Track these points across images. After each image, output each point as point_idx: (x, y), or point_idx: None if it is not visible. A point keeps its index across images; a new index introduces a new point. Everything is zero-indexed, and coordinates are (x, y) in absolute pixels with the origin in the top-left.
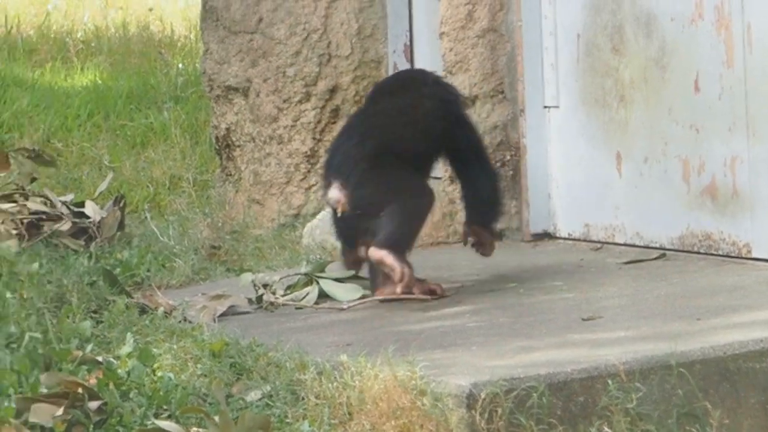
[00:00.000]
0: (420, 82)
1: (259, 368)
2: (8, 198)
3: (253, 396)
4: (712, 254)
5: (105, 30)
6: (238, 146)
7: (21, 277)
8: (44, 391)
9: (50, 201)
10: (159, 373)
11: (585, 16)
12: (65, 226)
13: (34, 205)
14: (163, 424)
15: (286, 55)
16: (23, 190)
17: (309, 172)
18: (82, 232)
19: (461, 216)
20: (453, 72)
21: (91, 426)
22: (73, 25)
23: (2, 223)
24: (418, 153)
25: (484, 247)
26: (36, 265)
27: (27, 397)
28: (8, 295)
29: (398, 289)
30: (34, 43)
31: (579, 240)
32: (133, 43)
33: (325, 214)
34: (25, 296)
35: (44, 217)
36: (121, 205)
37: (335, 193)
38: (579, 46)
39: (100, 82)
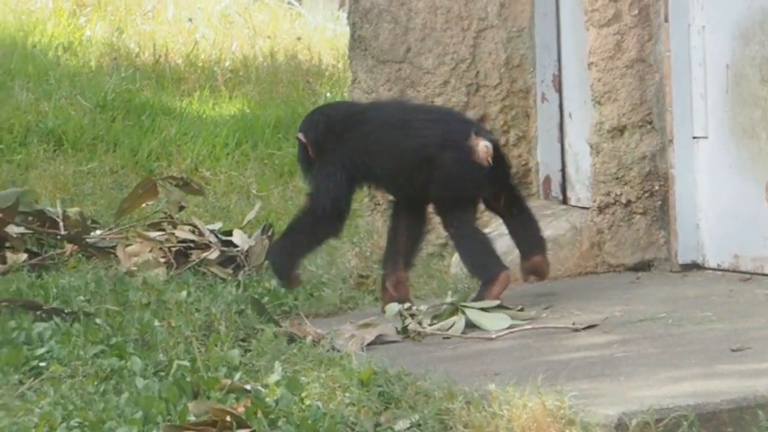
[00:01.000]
0: None
1: (407, 397)
2: (157, 226)
3: (401, 425)
4: None
5: (253, 59)
6: None
7: (169, 305)
8: (192, 419)
9: (198, 229)
10: (307, 402)
11: (734, 47)
12: (213, 254)
13: (182, 233)
14: None
15: (435, 85)
16: (171, 218)
17: None
18: (230, 260)
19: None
20: (601, 102)
21: None
22: (221, 54)
23: (150, 251)
24: None
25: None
26: (184, 294)
27: (175, 425)
28: (156, 323)
29: None
30: (182, 72)
31: (728, 271)
32: (281, 72)
33: None
34: (173, 324)
35: (192, 245)
36: (269, 233)
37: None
38: (728, 77)
39: (248, 111)
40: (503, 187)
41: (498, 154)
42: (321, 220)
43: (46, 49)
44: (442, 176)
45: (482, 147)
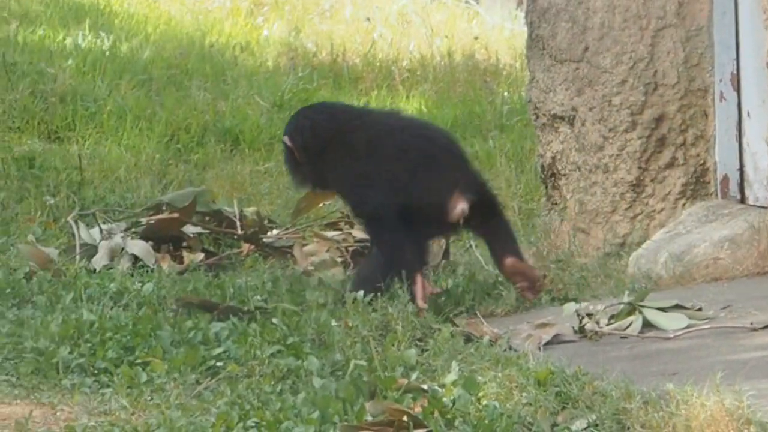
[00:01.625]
0: None
1: (584, 397)
2: (333, 226)
3: (578, 425)
4: None
5: (430, 58)
6: (564, 175)
7: (346, 305)
8: (369, 419)
9: None
10: (484, 402)
11: None
12: None
13: (359, 232)
14: None
15: (612, 84)
16: (348, 218)
17: (634, 201)
18: None
19: None
20: None
21: None
22: (399, 53)
23: (327, 251)
24: None
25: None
26: (361, 293)
27: (352, 425)
28: (333, 323)
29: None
30: (360, 72)
31: None
32: (458, 71)
33: (651, 244)
34: (350, 324)
35: (369, 244)
36: None
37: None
38: None
39: (425, 110)
40: (485, 216)
41: (485, 194)
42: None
43: (224, 49)
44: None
45: (458, 211)
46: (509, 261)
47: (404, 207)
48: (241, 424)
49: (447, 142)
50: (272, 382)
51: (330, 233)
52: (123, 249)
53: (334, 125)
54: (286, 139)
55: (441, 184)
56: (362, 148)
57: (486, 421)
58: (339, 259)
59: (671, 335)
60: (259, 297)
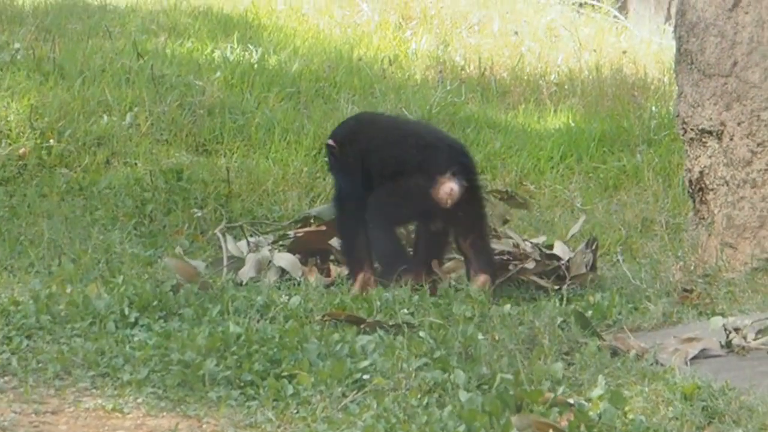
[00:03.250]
0: None
1: (731, 412)
2: None
3: None
4: None
5: (578, 73)
6: (711, 189)
7: (493, 318)
8: None
9: (516, 242)
10: (630, 416)
11: None
12: (530, 264)
13: (501, 245)
14: None
15: (761, 99)
16: (496, 231)
17: None
18: (551, 273)
19: None
20: None
21: None
22: (547, 67)
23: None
24: None
25: None
26: (508, 307)
27: None
28: (480, 336)
29: None
30: (508, 85)
31: None
32: (607, 85)
33: None
34: (497, 338)
35: (509, 257)
36: (593, 247)
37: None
38: None
39: (572, 124)
40: (472, 229)
41: (474, 197)
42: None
43: (372, 62)
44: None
45: (445, 189)
46: (482, 279)
47: (393, 192)
48: None
49: (451, 139)
50: (418, 396)
51: None
52: (270, 262)
53: (362, 129)
54: (329, 141)
55: (435, 165)
56: (369, 145)
57: None
58: None
59: None
60: (405, 310)
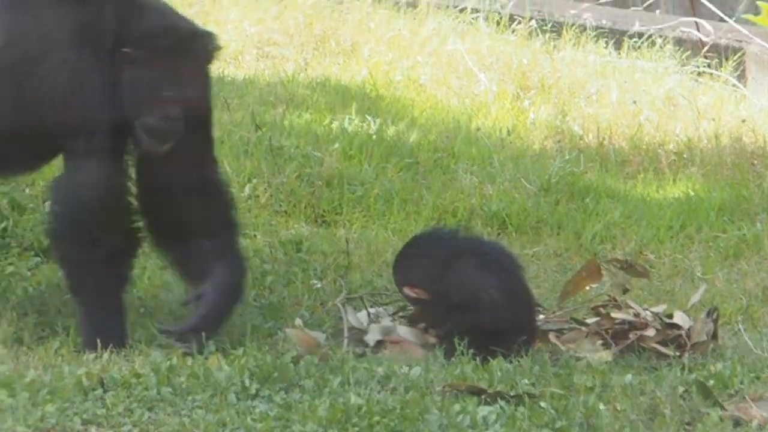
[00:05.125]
0: None
1: None
2: (598, 309)
3: None
4: None
5: (697, 142)
6: None
7: (614, 388)
8: None
9: (636, 311)
10: None
11: None
12: (650, 332)
13: (619, 314)
14: None
15: None
16: (615, 300)
17: None
18: (672, 342)
19: None
20: None
21: None
22: (665, 136)
23: (586, 336)
24: None
25: None
26: (629, 377)
27: None
28: (602, 406)
29: None
30: (626, 154)
31: None
32: (726, 154)
33: None
34: (618, 408)
35: (629, 326)
36: (714, 316)
37: None
38: None
39: (692, 193)
40: None
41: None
42: None
43: (490, 132)
44: None
45: None
46: None
47: None
48: None
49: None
50: None
51: (592, 318)
52: (392, 333)
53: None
54: (406, 290)
55: None
56: None
57: None
58: (600, 342)
59: None
60: (526, 381)
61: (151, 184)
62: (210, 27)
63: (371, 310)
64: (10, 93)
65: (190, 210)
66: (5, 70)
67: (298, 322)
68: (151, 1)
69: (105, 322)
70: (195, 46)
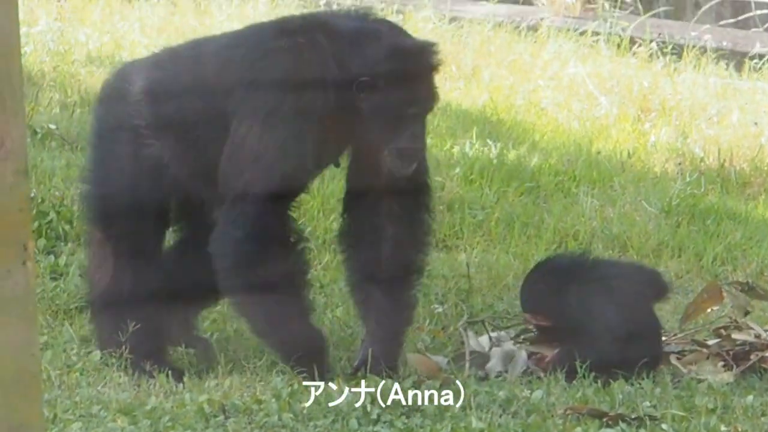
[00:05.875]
0: None
1: None
2: (718, 330)
3: None
4: None
5: None
6: None
7: (736, 410)
8: None
9: (757, 332)
10: None
11: None
12: None
13: (740, 336)
14: None
15: None
16: (737, 322)
17: None
18: None
19: None
20: None
21: None
22: None
23: (707, 358)
24: None
25: None
26: (750, 398)
27: None
28: (723, 428)
29: None
30: (747, 176)
31: None
32: None
33: None
34: (740, 429)
35: (750, 347)
36: None
37: None
38: None
39: None
40: None
41: None
42: None
43: (611, 155)
44: None
45: None
46: None
47: None
48: None
49: None
50: None
51: (713, 340)
52: (514, 356)
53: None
54: (527, 317)
55: None
56: None
57: None
58: (721, 363)
59: None
60: (648, 403)
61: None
62: None
63: (493, 334)
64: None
65: (393, 252)
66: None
67: (420, 346)
68: (370, 23)
69: (301, 342)
70: (424, 59)
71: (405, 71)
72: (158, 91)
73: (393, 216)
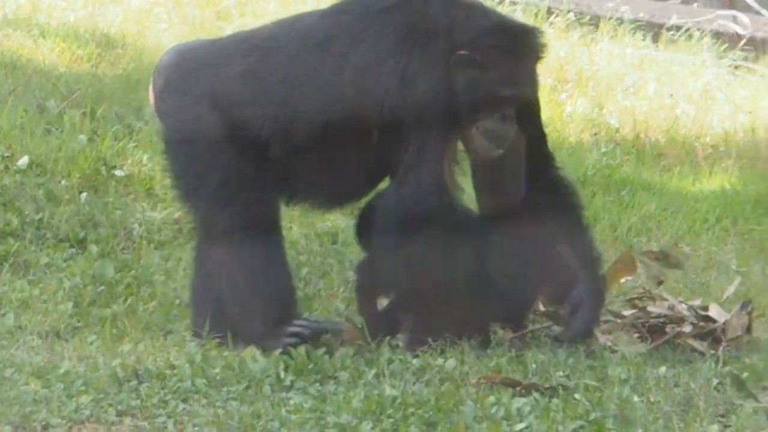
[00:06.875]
0: None
1: None
2: (633, 301)
3: None
4: None
5: (733, 135)
6: None
7: (649, 380)
8: None
9: (671, 303)
10: None
11: None
12: (687, 327)
13: (655, 308)
14: None
15: None
16: (650, 293)
17: None
18: (707, 335)
19: None
20: None
21: None
22: (702, 129)
23: (622, 328)
24: None
25: None
26: (663, 369)
27: None
28: (636, 398)
29: None
30: (662, 147)
31: None
32: (762, 147)
33: None
34: (652, 400)
35: (666, 320)
36: (749, 309)
37: None
38: None
39: (728, 186)
40: None
41: None
42: None
43: None
44: None
45: None
46: None
47: None
48: None
49: None
50: None
51: (628, 311)
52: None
53: None
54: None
55: None
56: None
57: None
58: (636, 335)
59: None
60: (561, 373)
61: (487, 189)
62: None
63: None
64: (342, 110)
65: (537, 212)
66: (339, 86)
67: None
68: (472, 1)
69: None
70: (528, 42)
71: (506, 51)
72: (264, 76)
73: (541, 180)
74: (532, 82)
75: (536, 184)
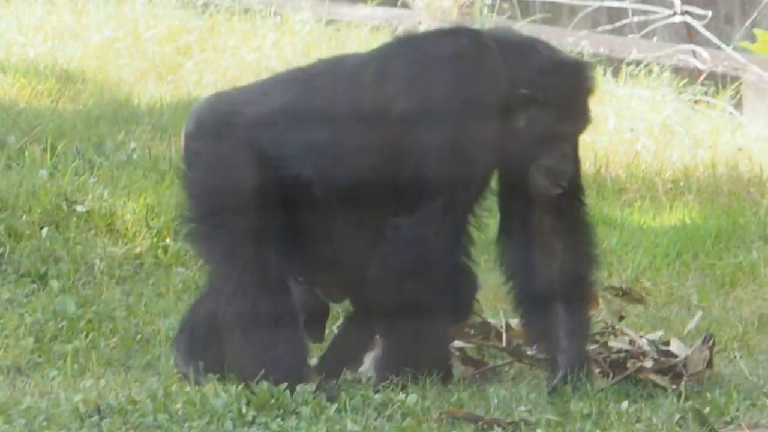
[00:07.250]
0: None
1: None
2: (595, 336)
3: None
4: None
5: (693, 169)
6: None
7: (611, 416)
8: None
9: (631, 338)
10: None
11: None
12: (648, 362)
13: (617, 343)
14: None
15: None
16: (613, 328)
17: None
18: (669, 370)
19: None
20: None
21: None
22: (662, 164)
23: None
24: None
25: None
26: (625, 404)
27: None
28: None
29: None
30: (623, 182)
31: None
32: (722, 182)
33: None
34: None
35: (627, 355)
36: (710, 344)
37: None
38: None
39: (688, 221)
40: None
41: None
42: None
43: None
44: None
45: None
46: None
47: None
48: None
49: None
50: None
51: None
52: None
53: None
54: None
55: None
56: None
57: None
58: (597, 370)
59: None
60: (523, 408)
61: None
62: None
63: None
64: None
65: (562, 265)
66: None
67: None
68: (526, 37)
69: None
70: (584, 78)
71: (566, 88)
72: (302, 115)
73: (558, 232)
74: (589, 117)
75: (558, 221)
